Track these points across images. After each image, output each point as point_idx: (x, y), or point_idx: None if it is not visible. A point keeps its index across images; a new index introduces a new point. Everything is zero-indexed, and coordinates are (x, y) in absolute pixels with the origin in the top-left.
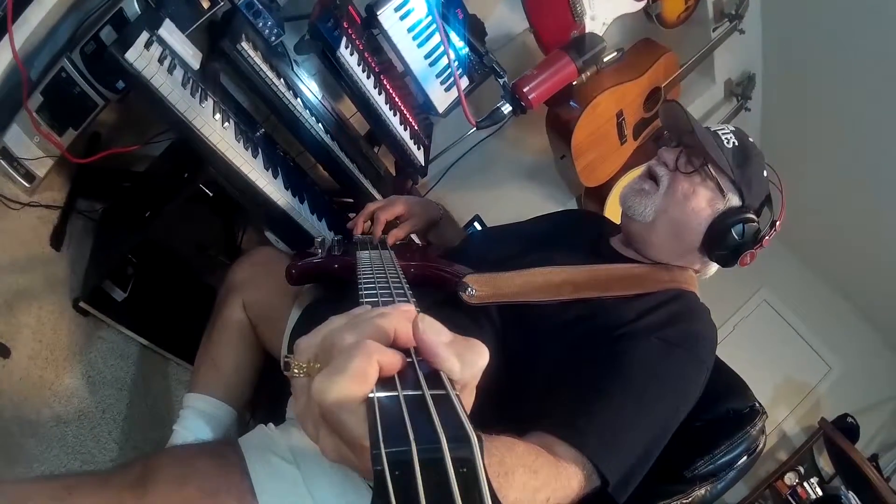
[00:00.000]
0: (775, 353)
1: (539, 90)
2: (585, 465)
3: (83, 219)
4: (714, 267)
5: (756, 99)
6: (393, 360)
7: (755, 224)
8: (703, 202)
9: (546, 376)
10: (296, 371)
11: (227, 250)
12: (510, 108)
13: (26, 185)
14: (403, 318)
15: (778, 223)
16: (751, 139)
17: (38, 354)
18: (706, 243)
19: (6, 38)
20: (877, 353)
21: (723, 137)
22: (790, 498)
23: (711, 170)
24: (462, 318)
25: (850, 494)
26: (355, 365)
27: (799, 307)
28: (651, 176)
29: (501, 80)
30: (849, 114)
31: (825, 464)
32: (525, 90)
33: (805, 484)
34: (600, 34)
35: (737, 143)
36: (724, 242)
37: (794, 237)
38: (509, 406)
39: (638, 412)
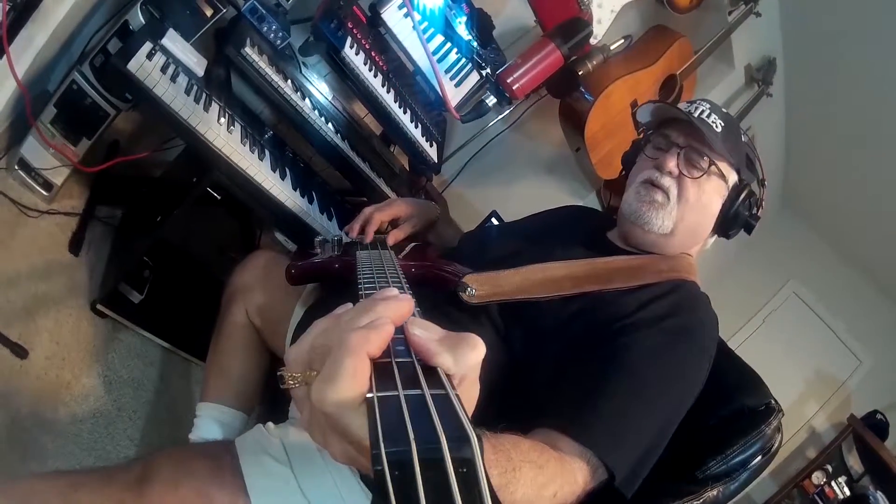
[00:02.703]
0: (805, 346)
1: (524, 80)
2: (590, 460)
3: (102, 225)
4: (713, 238)
5: (778, 84)
6: (381, 341)
7: (754, 192)
8: (713, 194)
9: (549, 372)
10: (291, 382)
11: (245, 251)
12: (495, 100)
13: (44, 193)
14: (388, 308)
15: (765, 180)
16: (723, 109)
17: (56, 355)
18: (719, 228)
19: (5, 60)
20: None
21: (711, 122)
22: (817, 498)
23: (717, 164)
24: (463, 317)
25: (879, 494)
26: (345, 366)
27: (828, 299)
28: (655, 185)
29: (484, 72)
30: (880, 94)
31: (854, 462)
32: (509, 81)
33: (833, 483)
34: (609, 22)
35: (723, 124)
36: (736, 222)
37: (825, 226)
38: (513, 403)
39: (642, 405)
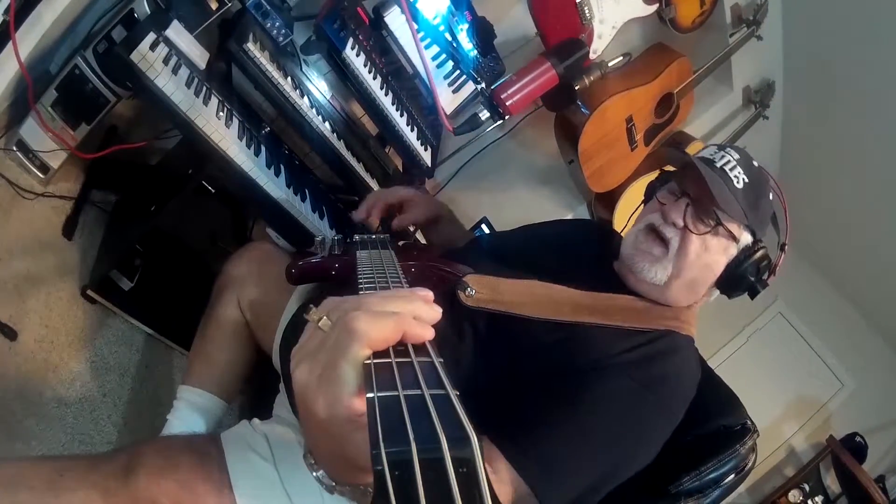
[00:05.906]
0: (788, 366)
1: (517, 97)
2: (520, 487)
3: (96, 210)
4: (715, 293)
5: (775, 107)
6: (420, 333)
7: (768, 257)
8: (717, 254)
9: (515, 390)
10: (315, 318)
11: (237, 242)
12: (488, 115)
13: (41, 175)
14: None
15: (787, 246)
16: (755, 162)
17: (45, 338)
18: (721, 287)
19: (10, 44)
20: (891, 372)
21: (732, 177)
22: None
23: (725, 224)
24: (454, 316)
25: None
26: (385, 322)
27: (814, 321)
28: (657, 235)
29: (479, 86)
30: (876, 123)
31: (832, 482)
32: (503, 97)
33: (809, 502)
34: (610, 38)
35: (747, 181)
36: (739, 285)
37: (814, 250)
38: (473, 407)
39: (591, 449)
